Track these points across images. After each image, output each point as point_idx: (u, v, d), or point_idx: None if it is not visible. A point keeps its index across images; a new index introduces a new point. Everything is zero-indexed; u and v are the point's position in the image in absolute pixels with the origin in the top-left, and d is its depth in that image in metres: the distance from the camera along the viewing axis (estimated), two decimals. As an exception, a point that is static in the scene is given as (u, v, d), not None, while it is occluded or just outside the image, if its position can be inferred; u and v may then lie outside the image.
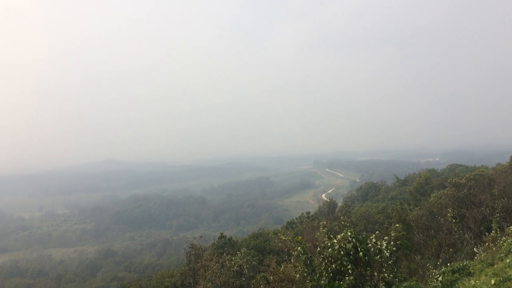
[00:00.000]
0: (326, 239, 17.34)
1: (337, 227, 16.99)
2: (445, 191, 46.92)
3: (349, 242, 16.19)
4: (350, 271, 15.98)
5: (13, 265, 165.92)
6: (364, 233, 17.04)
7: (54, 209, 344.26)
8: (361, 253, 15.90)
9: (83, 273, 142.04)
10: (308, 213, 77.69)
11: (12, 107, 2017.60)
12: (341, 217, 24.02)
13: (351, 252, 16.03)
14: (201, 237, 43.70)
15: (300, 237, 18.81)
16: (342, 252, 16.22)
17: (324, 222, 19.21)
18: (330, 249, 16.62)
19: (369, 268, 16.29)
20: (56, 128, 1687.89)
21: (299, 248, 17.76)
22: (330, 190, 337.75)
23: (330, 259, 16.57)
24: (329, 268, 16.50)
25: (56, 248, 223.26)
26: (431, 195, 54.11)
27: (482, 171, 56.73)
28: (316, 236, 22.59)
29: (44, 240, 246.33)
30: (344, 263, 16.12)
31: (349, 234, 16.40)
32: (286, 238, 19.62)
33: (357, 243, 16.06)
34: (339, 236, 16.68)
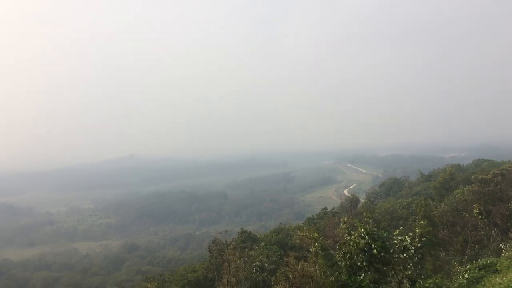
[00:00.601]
0: (347, 235, 17.27)
1: (358, 223, 16.81)
2: (471, 187, 46.01)
3: (362, 238, 16.06)
4: (366, 268, 15.87)
5: (41, 258, 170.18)
6: (382, 231, 16.82)
7: (79, 204, 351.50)
8: (375, 250, 15.75)
9: (108, 267, 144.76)
10: (325, 208, 77.25)
11: (37, 104, 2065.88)
12: (364, 213, 23.80)
13: (365, 249, 15.91)
14: (225, 231, 44.02)
15: (317, 233, 18.73)
16: (354, 249, 16.15)
17: (345, 219, 19.07)
18: (348, 245, 16.56)
19: (389, 265, 16.12)
20: (81, 124, 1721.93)
21: (316, 244, 17.71)
22: (352, 186, 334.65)
23: (348, 255, 16.51)
24: (348, 264, 16.44)
25: (81, 242, 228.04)
26: (455, 191, 53.08)
27: (510, 166, 55.35)
28: (336, 232, 22.49)
29: (70, 234, 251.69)
30: (360, 259, 16.03)
31: (362, 230, 16.27)
32: (304, 234, 19.57)
33: (370, 240, 15.88)
34: (355, 233, 16.57)
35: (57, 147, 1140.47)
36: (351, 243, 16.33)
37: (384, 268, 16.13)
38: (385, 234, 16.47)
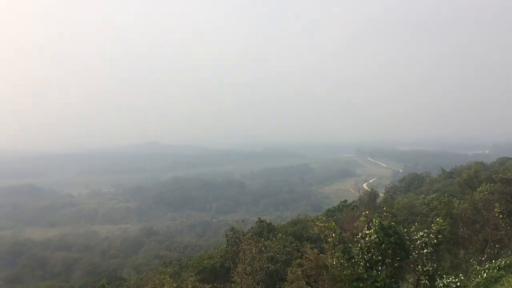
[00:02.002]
0: (366, 229, 17.21)
1: (379, 217, 16.72)
2: (492, 186, 45.17)
3: (377, 233, 16.00)
4: (380, 262, 15.82)
5: (61, 239, 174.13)
6: (407, 225, 16.73)
7: (100, 187, 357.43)
8: (383, 245, 15.67)
9: (126, 250, 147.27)
10: (345, 201, 76.86)
11: (64, 88, 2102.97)
12: (384, 208, 23.65)
13: (384, 242, 15.84)
14: (243, 221, 44.26)
15: (334, 223, 18.71)
16: (369, 244, 16.10)
17: (367, 212, 19.00)
18: (367, 238, 16.52)
19: (406, 261, 16.02)
20: (103, 109, 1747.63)
21: (333, 234, 17.71)
22: (372, 180, 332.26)
23: (365, 248, 16.48)
24: (365, 257, 16.42)
25: (101, 225, 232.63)
26: (477, 189, 52.20)
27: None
28: (355, 224, 22.42)
29: (90, 216, 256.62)
30: (377, 253, 15.98)
31: (377, 224, 16.20)
32: (322, 225, 19.58)
33: (382, 236, 15.78)
34: (371, 228, 16.51)
35: (81, 131, 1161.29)
36: (368, 237, 16.29)
37: (400, 264, 16.03)
38: (404, 230, 16.37)
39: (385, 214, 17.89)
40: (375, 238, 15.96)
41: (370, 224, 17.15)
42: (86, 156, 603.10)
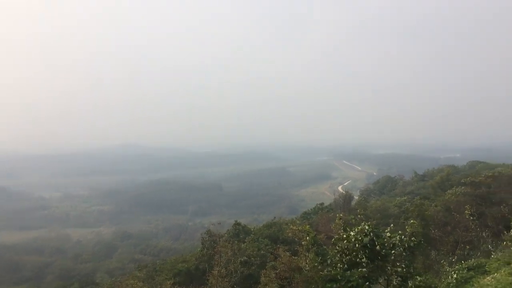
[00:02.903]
0: (342, 231, 17.29)
1: (354, 219, 16.87)
2: (463, 189, 46.26)
3: (366, 235, 16.11)
4: (364, 263, 15.93)
5: (32, 243, 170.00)
6: (380, 227, 16.93)
7: (73, 190, 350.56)
8: (378, 246, 15.83)
9: (99, 254, 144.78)
10: (322, 204, 77.49)
11: (34, 89, 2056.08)
12: (358, 210, 23.89)
13: (368, 245, 15.96)
14: (219, 223, 44.00)
15: (308, 226, 18.78)
16: (357, 245, 16.16)
17: (341, 215, 19.15)
18: (346, 241, 16.58)
19: (385, 262, 16.20)
20: (78, 109, 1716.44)
21: (307, 237, 17.76)
22: (347, 183, 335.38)
23: (345, 251, 16.54)
24: (343, 260, 16.48)
25: (74, 228, 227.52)
26: (446, 192, 53.40)
27: (499, 169, 55.70)
28: (332, 227, 22.59)
29: (62, 220, 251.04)
30: (359, 255, 16.07)
31: (367, 227, 16.32)
32: (296, 228, 19.64)
33: (375, 237, 15.97)
34: (356, 229, 16.61)
35: (55, 133, 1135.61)
36: (353, 239, 16.37)
37: (377, 264, 16.20)
38: (380, 230, 16.57)
39: (359, 216, 18.07)
40: (368, 239, 16.04)
41: (347, 226, 17.25)
42: (60, 157, 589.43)
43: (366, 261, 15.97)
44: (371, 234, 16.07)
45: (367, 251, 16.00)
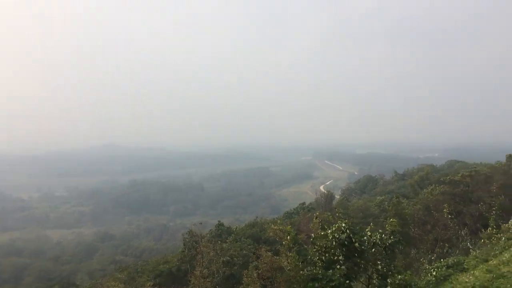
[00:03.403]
0: (320, 229, 17.38)
1: (331, 218, 16.98)
2: (441, 187, 46.99)
3: (343, 232, 16.21)
4: (341, 261, 16.03)
5: (10, 244, 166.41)
6: (360, 225, 17.06)
7: (53, 191, 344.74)
8: (356, 243, 15.94)
9: (80, 255, 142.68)
10: (303, 203, 77.77)
11: (14, 88, 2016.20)
12: (336, 209, 24.06)
13: (345, 243, 16.06)
14: (200, 223, 43.85)
15: (289, 226, 18.85)
16: (334, 243, 16.26)
17: (318, 214, 19.25)
18: (324, 239, 16.66)
19: (362, 260, 16.32)
20: (58, 110, 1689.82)
21: (288, 237, 17.82)
22: (329, 182, 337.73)
23: (323, 249, 16.63)
24: (322, 258, 16.56)
25: (53, 230, 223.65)
26: (423, 190, 54.21)
27: (475, 168, 56.74)
28: (310, 227, 22.68)
29: (42, 221, 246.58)
30: (337, 253, 16.17)
31: (343, 225, 16.42)
32: (277, 227, 19.69)
33: (351, 234, 16.07)
34: (333, 227, 16.70)
35: (34, 133, 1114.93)
36: (330, 237, 16.45)
37: (362, 263, 16.32)
38: (357, 228, 16.71)
39: (337, 214, 18.19)
40: (345, 237, 16.14)
41: (325, 225, 17.33)
42: (39, 158, 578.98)
43: (343, 258, 16.07)
44: (348, 231, 16.19)
45: (344, 248, 16.11)
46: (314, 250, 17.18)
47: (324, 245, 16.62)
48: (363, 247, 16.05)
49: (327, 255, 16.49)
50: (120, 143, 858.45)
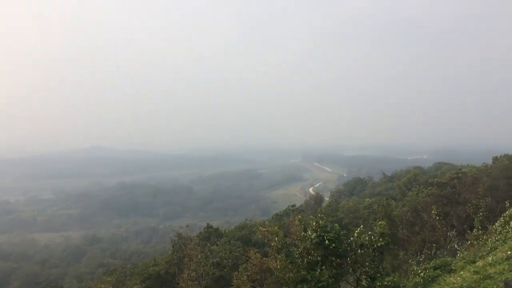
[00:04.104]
0: (303, 231, 17.43)
1: (312, 219, 16.99)
2: (429, 189, 47.39)
3: (315, 232, 16.23)
4: (321, 262, 16.02)
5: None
6: (335, 225, 17.04)
7: (39, 193, 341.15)
8: (326, 241, 15.90)
9: (67, 259, 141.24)
10: (294, 205, 77.93)
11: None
12: (318, 209, 24.14)
13: (319, 242, 16.04)
14: (187, 226, 43.71)
15: (276, 227, 18.88)
16: (311, 244, 16.29)
17: (299, 216, 19.33)
18: (304, 241, 16.70)
19: (344, 261, 16.33)
20: (44, 112, 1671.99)
21: (276, 238, 17.85)
22: (318, 184, 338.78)
23: (305, 251, 16.67)
24: (305, 260, 16.58)
25: (40, 233, 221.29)
26: (409, 192, 54.61)
27: (461, 169, 57.38)
28: (292, 229, 22.80)
29: (29, 224, 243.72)
30: (315, 254, 16.19)
31: (314, 224, 16.45)
32: (265, 229, 19.73)
33: (322, 233, 16.03)
34: (309, 228, 16.75)
35: (20, 135, 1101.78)
36: (308, 238, 16.47)
37: (339, 261, 16.30)
38: (338, 228, 16.69)
39: (320, 215, 18.20)
40: (314, 238, 16.15)
41: (306, 227, 17.37)
42: (26, 160, 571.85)
43: (320, 260, 16.05)
44: (319, 230, 16.17)
45: (321, 249, 16.08)
46: (298, 252, 17.22)
47: (304, 247, 16.66)
48: (342, 247, 16.03)
49: (309, 257, 16.52)
50: (105, 146, 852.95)
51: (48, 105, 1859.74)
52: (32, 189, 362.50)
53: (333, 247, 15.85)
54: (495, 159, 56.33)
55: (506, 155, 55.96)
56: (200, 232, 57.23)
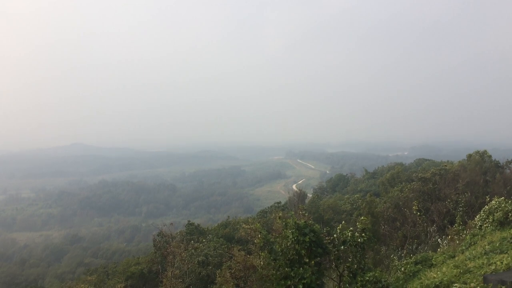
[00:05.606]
0: (284, 229, 17.46)
1: (292, 217, 17.03)
2: (411, 185, 47.99)
3: (291, 229, 16.30)
4: (297, 261, 16.08)
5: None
6: (316, 224, 17.11)
7: (19, 192, 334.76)
8: (297, 245, 15.96)
9: (48, 258, 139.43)
10: (279, 203, 78.12)
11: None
12: (299, 206, 24.21)
13: (301, 242, 16.10)
14: (171, 224, 43.28)
15: (259, 224, 18.87)
16: (288, 244, 16.35)
17: (280, 214, 19.36)
18: (286, 239, 16.73)
19: (327, 258, 16.41)
20: (23, 109, 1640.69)
21: (259, 235, 17.84)
22: (301, 181, 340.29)
23: (284, 249, 16.71)
24: (286, 257, 16.62)
25: (20, 232, 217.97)
26: (393, 188, 55.27)
27: (446, 165, 58.27)
28: (274, 227, 22.84)
29: (8, 224, 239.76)
30: (292, 253, 16.24)
31: (289, 221, 16.51)
32: (248, 227, 19.69)
33: (297, 236, 16.07)
34: (287, 229, 16.81)
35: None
36: (288, 237, 16.52)
37: (319, 261, 16.36)
38: (318, 227, 16.75)
39: (300, 213, 18.26)
40: (291, 238, 16.19)
41: (287, 224, 17.41)
42: (4, 159, 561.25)
43: (296, 257, 16.11)
44: (296, 231, 16.22)
45: (297, 247, 16.13)
46: (279, 250, 17.26)
47: (286, 245, 16.70)
48: (321, 247, 16.08)
49: (288, 255, 16.57)
50: (88, 143, 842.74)
51: (27, 103, 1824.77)
52: (11, 188, 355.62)
53: (312, 247, 15.89)
54: (469, 156, 57.32)
55: (477, 152, 56.89)
56: (181, 230, 56.94)
